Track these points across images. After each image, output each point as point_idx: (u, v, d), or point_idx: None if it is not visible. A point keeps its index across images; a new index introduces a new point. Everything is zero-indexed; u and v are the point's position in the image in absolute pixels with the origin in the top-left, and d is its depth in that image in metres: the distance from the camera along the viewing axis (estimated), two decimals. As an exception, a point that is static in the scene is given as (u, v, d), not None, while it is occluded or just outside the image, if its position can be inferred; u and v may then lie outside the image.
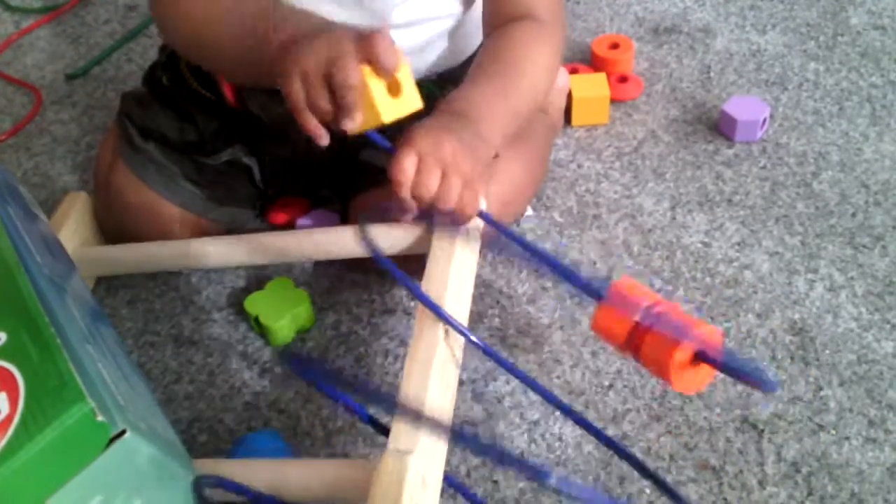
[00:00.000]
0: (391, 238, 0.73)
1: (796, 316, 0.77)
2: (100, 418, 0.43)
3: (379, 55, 0.60)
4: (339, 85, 0.61)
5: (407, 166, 0.63)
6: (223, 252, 0.77)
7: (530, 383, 0.63)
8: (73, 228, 0.82)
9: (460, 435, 0.43)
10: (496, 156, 0.73)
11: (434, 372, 0.58)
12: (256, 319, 0.78)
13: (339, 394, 0.59)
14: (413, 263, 0.73)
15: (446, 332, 0.61)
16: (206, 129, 0.83)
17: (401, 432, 0.54)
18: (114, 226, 0.85)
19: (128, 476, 0.45)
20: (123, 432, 0.43)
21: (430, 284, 0.64)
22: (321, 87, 0.62)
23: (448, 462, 0.62)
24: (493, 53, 0.75)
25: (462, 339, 0.64)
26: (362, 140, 0.82)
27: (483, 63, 0.75)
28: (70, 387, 0.44)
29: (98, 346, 0.52)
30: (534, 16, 0.76)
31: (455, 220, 0.66)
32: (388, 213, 0.69)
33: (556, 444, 0.69)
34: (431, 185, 0.64)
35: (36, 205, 0.67)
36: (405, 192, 0.64)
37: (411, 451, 0.52)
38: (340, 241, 0.75)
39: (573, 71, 1.01)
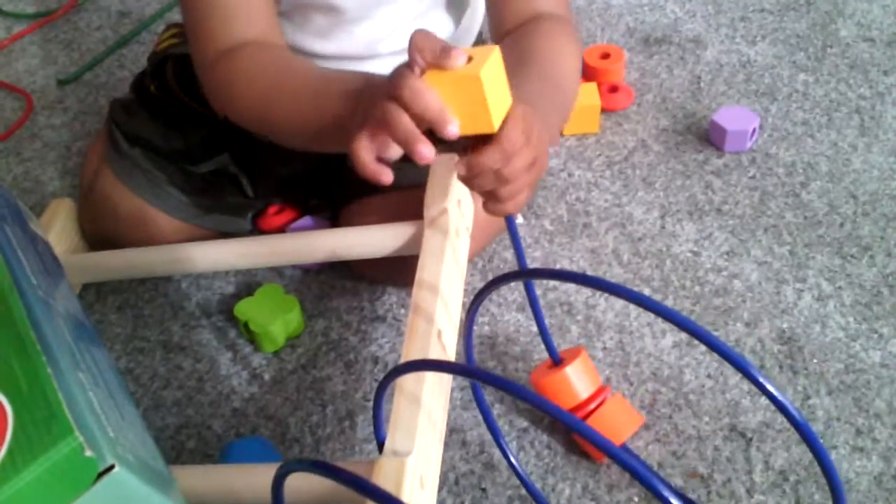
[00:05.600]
0: (382, 239, 0.73)
1: (784, 325, 0.77)
2: (88, 453, 0.42)
3: (428, 47, 0.52)
4: (408, 100, 0.52)
5: (518, 142, 0.54)
6: (211, 256, 0.76)
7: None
8: (58, 234, 0.82)
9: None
10: None
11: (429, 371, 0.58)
12: (246, 325, 0.78)
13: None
14: (404, 265, 0.73)
15: (439, 332, 0.61)
16: (193, 139, 0.83)
17: (398, 435, 0.54)
18: (99, 232, 0.84)
19: None
20: (112, 467, 0.43)
21: (422, 284, 0.64)
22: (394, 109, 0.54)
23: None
24: (528, 55, 0.69)
25: (454, 339, 0.64)
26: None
27: (521, 65, 0.68)
28: (59, 419, 0.43)
29: (89, 373, 0.51)
30: (550, 14, 0.73)
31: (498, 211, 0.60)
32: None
33: (545, 451, 0.69)
34: (522, 169, 0.56)
35: (34, 218, 0.67)
36: (494, 164, 0.55)
37: (409, 452, 0.52)
38: (329, 245, 0.75)
39: (564, 80, 1.01)
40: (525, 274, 0.62)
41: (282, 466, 0.44)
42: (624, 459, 0.37)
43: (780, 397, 0.41)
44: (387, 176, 0.56)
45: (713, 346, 0.42)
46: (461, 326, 0.78)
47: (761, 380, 0.41)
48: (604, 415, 0.68)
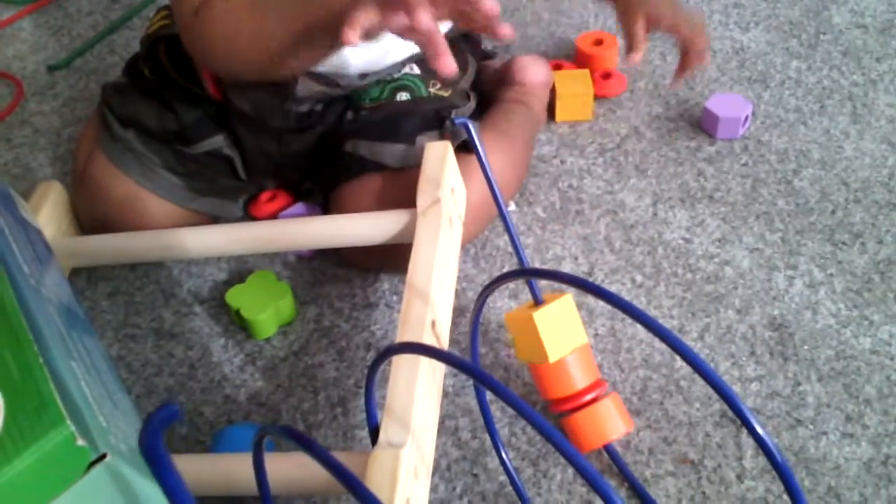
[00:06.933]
0: (375, 227, 0.73)
1: (776, 312, 0.77)
2: (80, 442, 0.42)
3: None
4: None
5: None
6: (203, 242, 0.76)
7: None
8: (47, 218, 0.81)
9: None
10: None
11: (423, 360, 0.58)
12: (238, 313, 0.78)
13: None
14: (396, 253, 0.73)
15: (433, 322, 0.61)
16: (187, 119, 0.82)
17: (392, 426, 0.54)
18: (92, 218, 0.84)
19: (107, 500, 0.45)
20: (104, 456, 0.43)
21: (416, 274, 0.64)
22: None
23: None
24: None
25: (447, 328, 0.64)
26: (346, 130, 0.83)
27: None
28: (50, 409, 0.43)
29: (81, 361, 0.51)
30: None
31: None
32: None
33: (537, 437, 0.70)
34: None
35: (25, 205, 0.66)
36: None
37: (403, 443, 0.53)
38: (321, 231, 0.74)
39: (557, 67, 1.01)
40: (531, 273, 0.65)
41: (259, 431, 0.44)
42: (585, 469, 0.39)
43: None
44: (355, 36, 0.59)
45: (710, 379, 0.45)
46: (454, 315, 0.78)
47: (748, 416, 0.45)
48: (595, 413, 0.66)
